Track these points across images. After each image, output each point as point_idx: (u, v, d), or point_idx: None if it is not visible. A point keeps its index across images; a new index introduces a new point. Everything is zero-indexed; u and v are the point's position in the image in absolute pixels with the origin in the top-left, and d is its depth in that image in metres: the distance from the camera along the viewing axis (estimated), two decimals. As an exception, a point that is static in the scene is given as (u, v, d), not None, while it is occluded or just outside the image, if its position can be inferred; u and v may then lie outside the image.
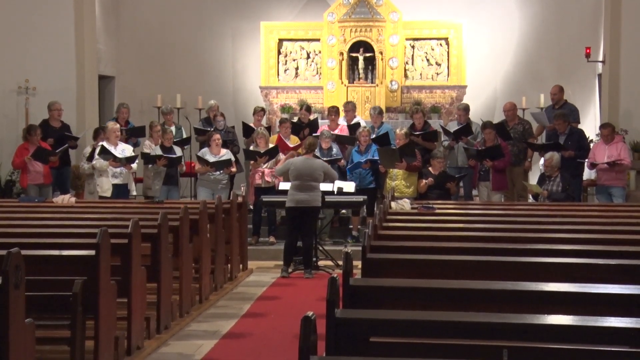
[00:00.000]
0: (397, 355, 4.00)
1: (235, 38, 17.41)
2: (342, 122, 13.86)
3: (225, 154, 12.62)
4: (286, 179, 11.21)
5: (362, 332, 4.07)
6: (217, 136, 12.65)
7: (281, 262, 11.05)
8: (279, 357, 7.05)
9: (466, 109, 13.45)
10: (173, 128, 13.89)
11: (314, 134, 13.15)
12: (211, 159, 12.41)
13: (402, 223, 8.22)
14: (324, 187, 11.38)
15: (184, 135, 14.06)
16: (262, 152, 12.51)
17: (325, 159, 12.29)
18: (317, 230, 11.46)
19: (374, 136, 13.10)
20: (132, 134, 13.48)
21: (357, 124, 13.50)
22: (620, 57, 13.82)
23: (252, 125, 13.77)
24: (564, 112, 12.65)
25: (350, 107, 14.00)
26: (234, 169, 12.76)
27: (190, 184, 14.60)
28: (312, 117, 14.12)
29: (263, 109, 14.43)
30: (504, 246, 6.45)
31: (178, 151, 12.76)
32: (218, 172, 12.49)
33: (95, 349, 6.02)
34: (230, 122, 14.70)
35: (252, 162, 12.69)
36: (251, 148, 12.92)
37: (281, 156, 12.54)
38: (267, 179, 12.53)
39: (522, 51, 16.85)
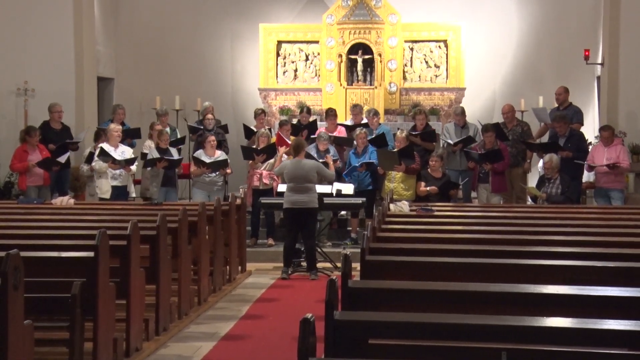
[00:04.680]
0: (396, 357, 4.00)
1: (234, 40, 17.42)
2: (349, 123, 13.86)
3: (220, 155, 12.64)
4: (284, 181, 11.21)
5: (360, 334, 4.07)
6: (212, 137, 12.67)
7: (280, 264, 11.06)
8: (277, 359, 7.05)
9: (462, 112, 13.47)
10: (168, 129, 13.89)
11: (312, 136, 13.16)
12: (207, 160, 12.42)
13: (401, 225, 8.22)
14: (323, 189, 11.38)
15: (179, 136, 14.07)
16: (258, 149, 12.50)
17: (321, 160, 12.31)
18: (316, 232, 11.46)
19: (371, 137, 13.11)
20: (127, 135, 13.47)
21: (364, 124, 13.49)
22: (619, 60, 13.84)
23: (253, 127, 13.78)
24: (564, 114, 12.65)
25: (358, 110, 13.97)
26: (229, 170, 12.76)
27: (188, 185, 14.60)
28: (311, 119, 14.14)
29: (263, 111, 14.45)
30: (502, 248, 6.44)
31: (174, 152, 12.77)
32: (214, 174, 12.49)
33: (93, 351, 6.02)
34: (229, 124, 14.70)
35: (250, 162, 12.68)
36: None
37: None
38: (265, 181, 12.52)
39: (521, 53, 16.87)
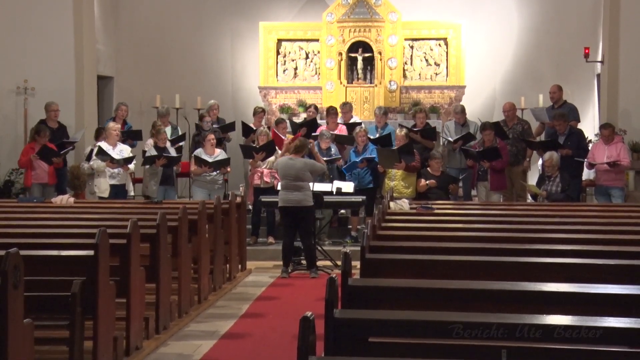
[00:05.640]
0: (396, 355, 4.00)
1: (234, 38, 17.41)
2: (339, 121, 13.88)
3: (220, 153, 12.64)
4: None
5: (360, 332, 4.06)
6: (212, 136, 12.67)
7: (280, 262, 11.06)
8: (277, 357, 7.05)
9: (463, 111, 13.51)
10: (169, 128, 13.89)
11: (312, 134, 13.16)
12: (208, 159, 12.42)
13: (401, 223, 8.22)
14: (323, 187, 11.37)
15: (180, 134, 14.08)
16: (257, 147, 12.50)
17: (324, 158, 12.32)
18: (315, 230, 11.46)
19: (377, 136, 13.11)
20: (129, 136, 13.46)
21: (357, 123, 13.51)
22: (619, 57, 13.82)
23: (252, 125, 13.77)
24: (563, 112, 12.66)
25: (348, 108, 14.03)
26: (229, 169, 12.76)
27: (188, 184, 14.59)
28: (318, 116, 14.15)
29: (263, 110, 14.46)
30: (502, 246, 6.44)
31: (172, 151, 12.76)
32: (215, 173, 12.49)
33: (94, 350, 6.02)
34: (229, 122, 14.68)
35: (250, 160, 12.69)
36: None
37: (279, 153, 12.58)
38: (266, 179, 12.53)
39: (521, 51, 16.86)
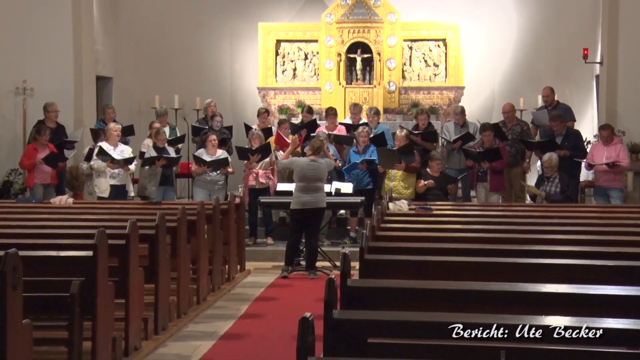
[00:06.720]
0: (395, 356, 4.00)
1: (233, 39, 17.41)
2: (348, 121, 13.84)
3: (222, 154, 12.63)
4: (283, 176, 11.14)
5: (359, 333, 4.06)
6: (213, 137, 12.65)
7: (279, 263, 11.04)
8: (276, 358, 7.05)
9: (462, 112, 13.51)
10: (167, 128, 13.87)
11: (311, 134, 13.15)
12: (207, 159, 12.41)
13: (400, 224, 8.22)
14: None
15: (178, 135, 14.04)
16: (253, 149, 12.50)
17: (321, 159, 12.31)
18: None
19: (370, 136, 13.10)
20: (121, 132, 13.43)
21: (357, 125, 13.50)
22: (617, 58, 13.83)
23: (254, 127, 13.76)
24: (560, 113, 12.68)
25: (358, 110, 13.94)
26: (230, 169, 12.75)
27: (188, 184, 14.58)
28: (317, 117, 14.13)
29: (267, 111, 14.42)
30: (501, 247, 6.44)
31: (171, 152, 12.76)
32: (215, 173, 12.48)
33: (92, 350, 6.02)
34: (228, 123, 14.67)
35: (245, 161, 12.68)
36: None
37: (278, 154, 12.55)
38: (261, 180, 12.52)
39: (520, 52, 16.87)
